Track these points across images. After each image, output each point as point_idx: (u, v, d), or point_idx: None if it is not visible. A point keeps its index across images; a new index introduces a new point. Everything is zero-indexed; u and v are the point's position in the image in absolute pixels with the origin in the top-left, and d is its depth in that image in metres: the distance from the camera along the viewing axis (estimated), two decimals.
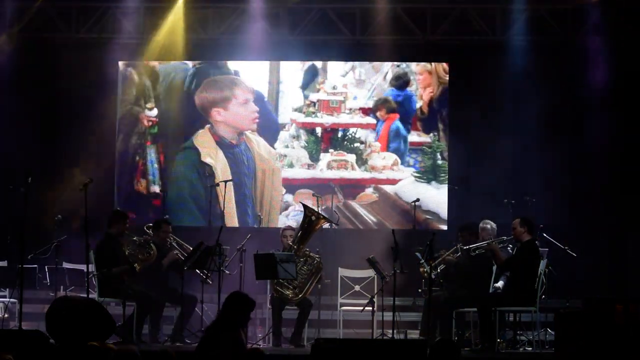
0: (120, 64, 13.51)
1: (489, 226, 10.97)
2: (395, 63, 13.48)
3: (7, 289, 11.19)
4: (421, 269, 10.41)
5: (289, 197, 13.39)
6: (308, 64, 13.54)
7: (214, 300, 10.69)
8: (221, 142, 13.47)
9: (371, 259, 10.56)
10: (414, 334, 10.46)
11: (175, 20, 13.12)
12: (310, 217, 10.81)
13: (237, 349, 6.46)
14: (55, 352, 7.63)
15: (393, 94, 13.51)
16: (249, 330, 11.12)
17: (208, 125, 13.51)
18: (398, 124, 13.47)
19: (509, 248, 10.82)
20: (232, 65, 13.63)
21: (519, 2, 12.97)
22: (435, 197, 13.27)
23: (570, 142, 13.10)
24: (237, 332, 6.60)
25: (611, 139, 12.86)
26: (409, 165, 13.42)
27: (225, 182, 12.36)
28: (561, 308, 10.51)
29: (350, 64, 13.55)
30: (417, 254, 10.37)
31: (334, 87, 13.50)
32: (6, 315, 11.00)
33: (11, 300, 11.13)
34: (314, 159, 13.45)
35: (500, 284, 10.73)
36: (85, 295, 9.49)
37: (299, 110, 13.50)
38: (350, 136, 13.50)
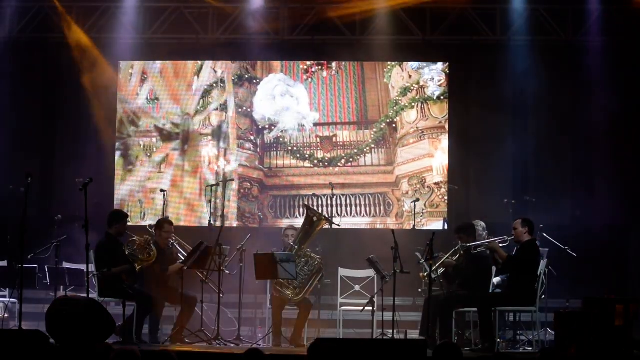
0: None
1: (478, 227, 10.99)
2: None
3: (7, 289, 11.19)
4: (420, 274, 10.39)
5: None
6: None
7: (213, 300, 10.67)
8: None
9: (371, 259, 10.54)
10: (414, 334, 10.44)
11: None
12: (312, 218, 10.79)
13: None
14: (56, 352, 7.64)
15: None
16: (248, 330, 11.14)
17: None
18: None
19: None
20: None
21: (519, 2, 12.97)
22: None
23: (571, 141, 13.10)
24: None
25: (611, 138, 12.85)
26: None
27: (225, 182, 12.34)
28: (561, 308, 10.50)
29: None
30: (417, 254, 10.36)
31: None
32: (6, 315, 11.00)
33: (11, 300, 11.14)
34: None
35: (497, 280, 10.70)
36: (85, 295, 9.47)
37: None
38: None
